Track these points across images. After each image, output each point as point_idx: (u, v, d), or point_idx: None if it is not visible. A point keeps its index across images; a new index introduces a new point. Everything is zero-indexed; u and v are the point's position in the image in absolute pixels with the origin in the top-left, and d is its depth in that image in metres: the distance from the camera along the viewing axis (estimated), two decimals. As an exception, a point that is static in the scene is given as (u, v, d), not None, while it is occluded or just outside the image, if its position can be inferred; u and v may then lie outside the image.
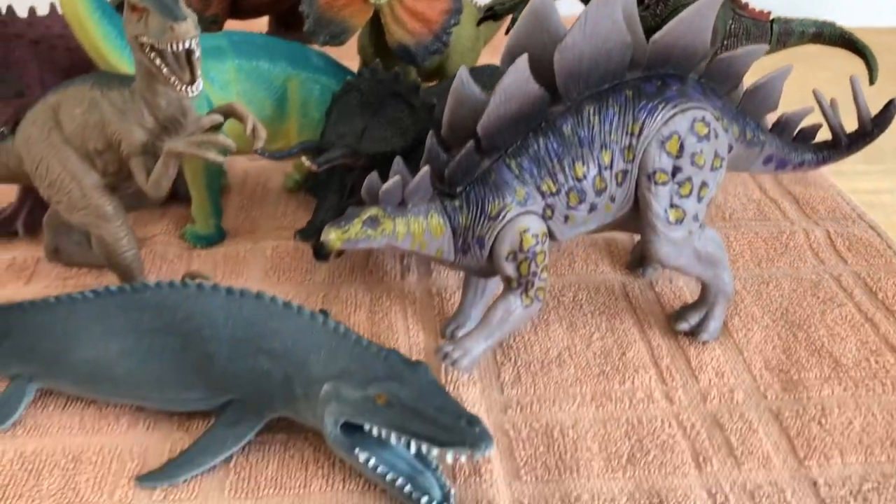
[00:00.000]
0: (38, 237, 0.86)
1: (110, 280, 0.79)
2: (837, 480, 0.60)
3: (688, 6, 0.83)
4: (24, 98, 0.78)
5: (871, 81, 0.96)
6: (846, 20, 1.57)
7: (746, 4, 0.94)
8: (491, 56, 0.96)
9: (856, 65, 0.93)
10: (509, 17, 0.95)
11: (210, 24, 1.00)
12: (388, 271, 0.81)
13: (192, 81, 0.59)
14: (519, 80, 0.59)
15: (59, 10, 0.84)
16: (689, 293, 0.77)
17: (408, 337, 0.74)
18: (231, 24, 1.04)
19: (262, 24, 1.08)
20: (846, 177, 0.98)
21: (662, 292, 0.78)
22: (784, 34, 0.96)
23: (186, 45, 0.57)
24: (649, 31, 0.86)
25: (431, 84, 1.00)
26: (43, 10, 0.85)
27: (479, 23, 0.96)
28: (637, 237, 0.76)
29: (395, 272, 0.81)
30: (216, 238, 0.86)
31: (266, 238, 0.87)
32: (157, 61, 0.59)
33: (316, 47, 0.87)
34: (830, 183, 0.97)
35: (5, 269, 0.82)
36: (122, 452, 0.62)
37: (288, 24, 1.04)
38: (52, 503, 0.58)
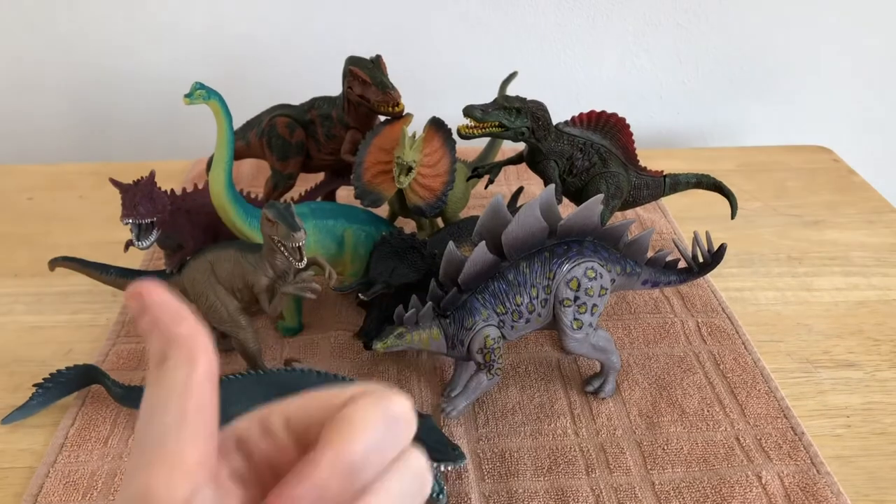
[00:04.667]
0: (184, 330, 1.31)
1: (234, 360, 1.20)
2: (667, 482, 0.99)
3: (602, 175, 1.28)
4: (182, 250, 1.17)
5: (732, 217, 1.39)
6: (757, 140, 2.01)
7: (645, 167, 1.35)
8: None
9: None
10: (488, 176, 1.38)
11: (287, 179, 1.45)
12: (408, 352, 1.24)
13: (300, 260, 1.03)
14: (481, 252, 1.03)
15: (200, 187, 1.29)
16: (597, 366, 1.20)
17: (421, 396, 1.13)
18: (302, 175, 1.46)
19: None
20: (722, 278, 1.38)
21: (582, 365, 1.19)
22: (673, 184, 1.36)
23: (299, 244, 1.01)
24: (576, 191, 1.31)
25: (437, 219, 1.44)
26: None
27: (468, 179, 1.40)
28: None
29: (413, 353, 1.23)
30: (298, 329, 1.27)
31: (330, 330, 1.26)
32: (281, 248, 1.02)
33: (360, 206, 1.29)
34: (710, 283, 1.36)
35: (167, 352, 1.26)
36: (256, 467, 1.06)
37: (339, 175, 1.48)
38: (222, 495, 1.03)
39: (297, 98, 1.41)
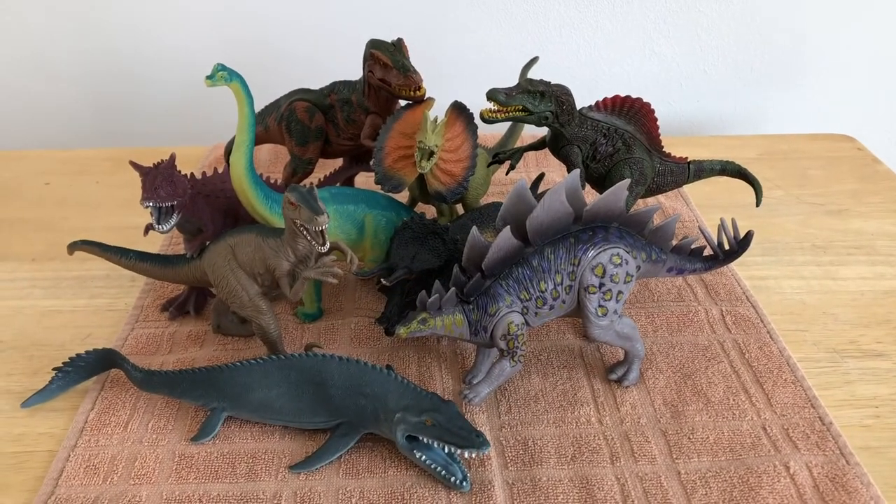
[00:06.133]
0: (203, 315, 1.26)
1: (254, 345, 1.19)
2: (693, 471, 0.97)
3: (625, 161, 1.27)
4: (202, 234, 1.16)
5: (757, 205, 1.37)
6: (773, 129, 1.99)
7: (669, 154, 1.34)
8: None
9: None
10: (509, 162, 1.36)
11: (306, 164, 1.41)
12: (429, 339, 1.23)
13: (323, 244, 1.02)
14: (505, 237, 1.01)
15: (219, 171, 1.28)
16: (620, 354, 1.19)
17: (442, 383, 1.12)
18: (321, 161, 1.44)
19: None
20: (746, 266, 1.36)
21: (605, 353, 1.18)
22: (698, 171, 1.35)
23: (322, 228, 1.00)
24: (599, 177, 1.29)
25: (457, 205, 1.42)
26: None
27: (489, 165, 1.38)
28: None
29: (433, 340, 1.22)
30: (318, 315, 1.25)
31: (349, 316, 1.25)
32: (303, 231, 1.01)
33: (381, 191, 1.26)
34: (733, 272, 1.34)
35: (186, 338, 1.23)
36: (277, 452, 1.01)
37: (358, 161, 1.47)
38: (244, 481, 0.97)
39: (317, 82, 1.39)
